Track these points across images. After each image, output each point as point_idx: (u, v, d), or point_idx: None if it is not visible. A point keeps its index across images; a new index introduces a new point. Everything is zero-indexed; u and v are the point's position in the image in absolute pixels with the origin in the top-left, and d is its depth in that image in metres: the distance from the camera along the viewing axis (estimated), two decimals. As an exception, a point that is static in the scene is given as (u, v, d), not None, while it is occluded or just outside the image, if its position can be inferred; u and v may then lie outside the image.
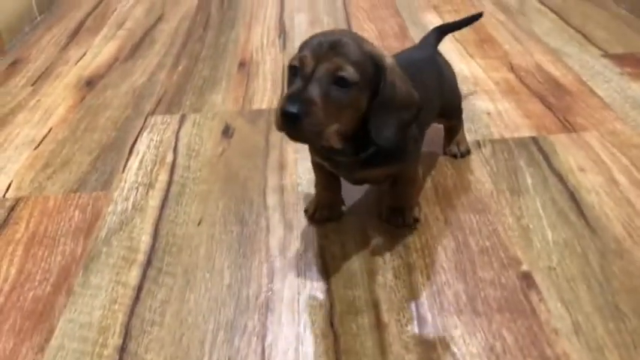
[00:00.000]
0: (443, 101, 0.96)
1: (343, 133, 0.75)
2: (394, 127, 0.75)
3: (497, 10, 1.71)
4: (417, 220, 0.89)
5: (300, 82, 0.70)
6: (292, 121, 0.68)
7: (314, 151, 0.84)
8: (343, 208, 0.93)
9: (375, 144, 0.76)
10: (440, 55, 1.03)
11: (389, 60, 0.76)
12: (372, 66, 0.73)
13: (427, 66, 0.95)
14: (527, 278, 0.79)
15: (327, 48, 0.71)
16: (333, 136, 0.74)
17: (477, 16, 1.14)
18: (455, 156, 1.04)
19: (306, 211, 0.93)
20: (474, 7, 1.75)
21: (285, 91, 0.74)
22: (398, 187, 0.88)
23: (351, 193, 0.96)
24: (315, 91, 0.69)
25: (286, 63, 1.45)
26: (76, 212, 0.98)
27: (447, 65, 1.02)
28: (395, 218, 0.89)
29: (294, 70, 0.72)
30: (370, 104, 0.74)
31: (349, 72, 0.70)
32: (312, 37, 0.74)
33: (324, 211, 0.91)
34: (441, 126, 1.06)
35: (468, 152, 1.05)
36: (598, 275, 0.79)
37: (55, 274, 0.85)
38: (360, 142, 0.77)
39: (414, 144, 0.84)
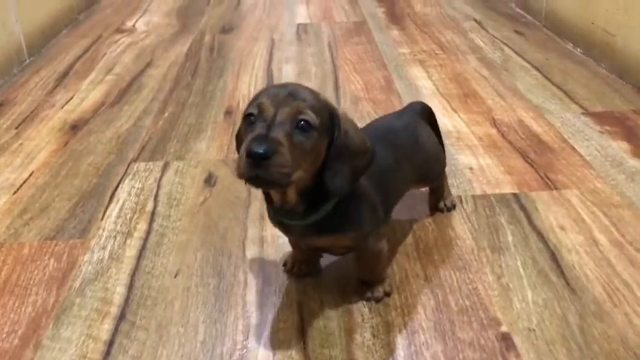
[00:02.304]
0: (420, 169, 0.94)
1: (301, 185, 0.73)
2: (347, 175, 0.74)
3: (482, 65, 1.75)
4: (387, 295, 0.86)
5: (262, 126, 0.68)
6: (259, 163, 0.65)
7: (269, 215, 0.82)
8: (322, 256, 0.92)
9: (326, 199, 0.75)
10: (421, 123, 0.99)
11: (341, 110, 0.76)
12: (328, 114, 0.73)
13: (403, 134, 0.94)
14: (506, 340, 0.78)
15: (284, 95, 0.70)
16: (293, 186, 0.72)
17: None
18: (441, 210, 1.05)
19: (284, 265, 0.92)
20: (458, 62, 1.79)
21: (242, 141, 0.71)
22: (361, 262, 0.86)
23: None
24: (280, 133, 0.68)
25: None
26: (51, 260, 0.96)
27: (426, 132, 0.99)
28: (363, 292, 0.86)
29: (251, 119, 0.70)
30: (326, 155, 0.74)
31: (310, 116, 0.70)
32: (265, 88, 0.74)
33: (302, 267, 0.90)
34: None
35: (454, 206, 1.06)
36: (578, 338, 0.78)
37: (24, 326, 0.83)
38: (312, 203, 0.76)
39: (372, 212, 0.81)
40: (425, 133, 0.99)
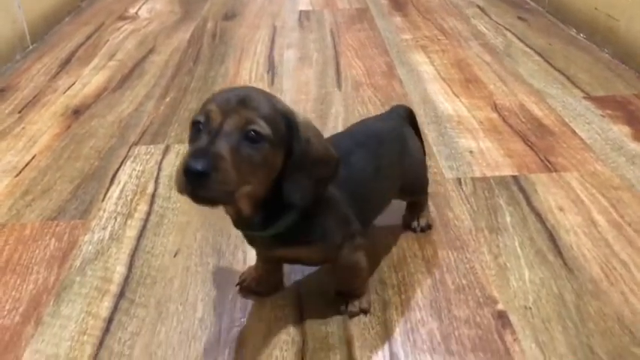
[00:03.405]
0: (404, 179, 0.88)
1: (254, 197, 0.67)
2: (309, 186, 0.68)
3: (484, 51, 1.74)
4: (364, 311, 0.79)
5: (206, 137, 0.62)
6: (198, 180, 0.59)
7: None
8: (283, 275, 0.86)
9: (288, 209, 0.69)
10: (407, 128, 0.93)
11: (301, 117, 0.69)
12: (284, 123, 0.66)
13: (389, 138, 0.87)
14: (502, 317, 0.78)
15: (235, 102, 0.64)
16: (244, 199, 0.66)
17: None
18: (414, 230, 0.95)
19: (242, 281, 0.85)
20: (460, 47, 1.78)
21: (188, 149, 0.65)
22: (337, 274, 0.81)
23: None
24: (223, 146, 0.61)
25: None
26: (52, 240, 0.97)
27: (413, 139, 0.93)
28: (338, 304, 0.80)
29: (198, 126, 0.64)
30: (284, 165, 0.67)
31: (261, 125, 0.63)
32: (218, 92, 0.67)
33: (260, 286, 0.84)
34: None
35: (429, 227, 0.95)
36: (573, 316, 0.78)
37: (25, 304, 0.84)
38: (271, 212, 0.69)
39: (342, 223, 0.75)
40: (412, 140, 0.92)
